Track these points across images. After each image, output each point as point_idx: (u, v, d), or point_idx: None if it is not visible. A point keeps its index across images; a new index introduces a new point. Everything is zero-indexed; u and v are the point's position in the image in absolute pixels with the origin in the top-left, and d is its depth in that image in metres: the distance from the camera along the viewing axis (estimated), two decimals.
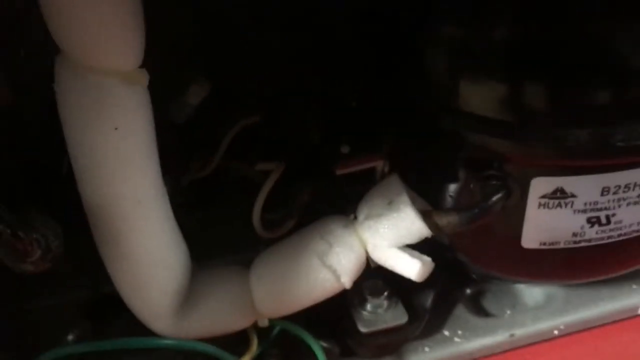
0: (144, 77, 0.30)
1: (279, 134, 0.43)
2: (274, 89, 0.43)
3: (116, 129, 0.30)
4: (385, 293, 0.44)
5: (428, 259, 0.37)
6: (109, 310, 0.40)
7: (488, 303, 0.49)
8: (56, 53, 0.30)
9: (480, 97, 0.36)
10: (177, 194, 0.38)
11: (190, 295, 0.38)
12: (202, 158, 0.44)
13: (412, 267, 0.36)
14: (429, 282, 0.38)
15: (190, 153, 0.44)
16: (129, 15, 0.29)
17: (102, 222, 0.33)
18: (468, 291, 0.49)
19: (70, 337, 0.44)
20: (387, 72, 0.40)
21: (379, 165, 0.42)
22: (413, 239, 0.37)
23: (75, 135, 0.31)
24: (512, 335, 0.46)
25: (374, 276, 0.42)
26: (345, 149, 0.43)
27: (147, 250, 0.35)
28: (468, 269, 0.47)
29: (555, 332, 0.47)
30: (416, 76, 0.39)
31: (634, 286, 0.49)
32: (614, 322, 0.49)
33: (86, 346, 0.37)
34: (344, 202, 0.40)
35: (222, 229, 0.45)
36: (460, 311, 0.48)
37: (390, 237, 0.37)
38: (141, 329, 0.39)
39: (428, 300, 0.46)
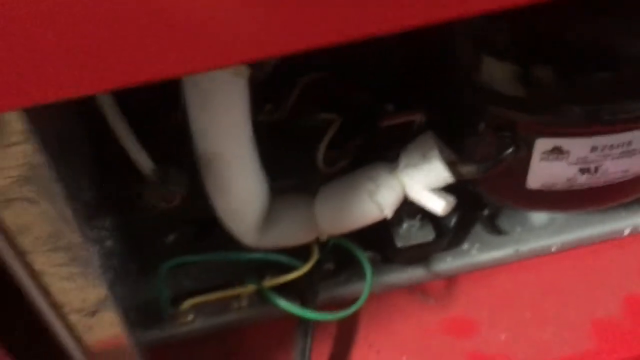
0: (246, 71, 0.39)
1: (340, 92, 0.51)
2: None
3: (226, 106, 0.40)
4: (418, 215, 0.52)
5: (451, 198, 0.44)
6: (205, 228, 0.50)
7: (502, 222, 0.57)
8: None
9: (498, 77, 0.43)
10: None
11: (269, 217, 0.48)
12: (275, 104, 0.52)
13: (438, 205, 0.44)
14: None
15: (266, 98, 0.52)
16: None
17: (211, 167, 0.43)
18: (485, 212, 0.57)
19: (170, 238, 0.55)
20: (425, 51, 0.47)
21: (417, 119, 0.49)
22: (440, 184, 0.44)
23: (196, 110, 0.40)
24: (517, 251, 0.55)
25: (409, 202, 0.47)
26: (389, 107, 0.50)
27: (242, 186, 0.45)
28: (485, 196, 0.55)
29: (553, 248, 0.55)
30: (448, 58, 0.46)
31: (623, 213, 0.56)
32: (604, 241, 0.56)
33: (192, 257, 0.48)
34: (388, 149, 0.47)
35: (288, 161, 0.52)
36: (478, 229, 0.56)
37: (423, 182, 0.44)
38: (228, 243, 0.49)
39: (452, 221, 0.54)
